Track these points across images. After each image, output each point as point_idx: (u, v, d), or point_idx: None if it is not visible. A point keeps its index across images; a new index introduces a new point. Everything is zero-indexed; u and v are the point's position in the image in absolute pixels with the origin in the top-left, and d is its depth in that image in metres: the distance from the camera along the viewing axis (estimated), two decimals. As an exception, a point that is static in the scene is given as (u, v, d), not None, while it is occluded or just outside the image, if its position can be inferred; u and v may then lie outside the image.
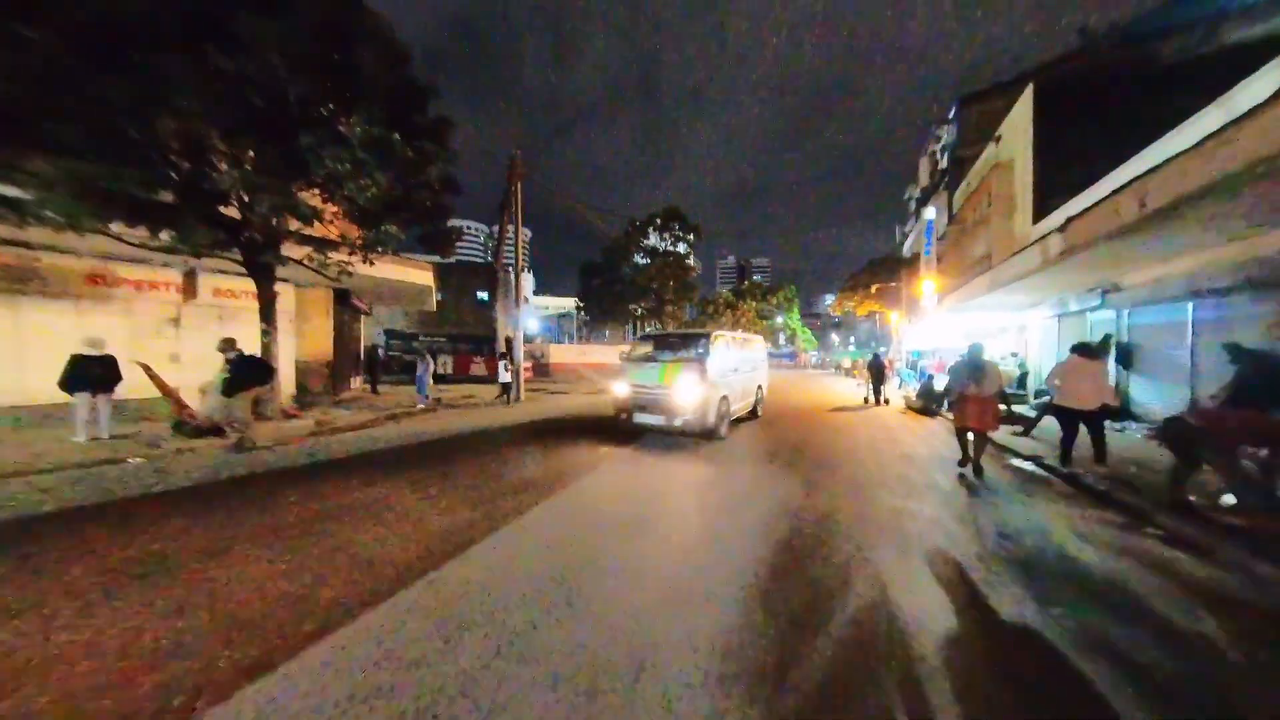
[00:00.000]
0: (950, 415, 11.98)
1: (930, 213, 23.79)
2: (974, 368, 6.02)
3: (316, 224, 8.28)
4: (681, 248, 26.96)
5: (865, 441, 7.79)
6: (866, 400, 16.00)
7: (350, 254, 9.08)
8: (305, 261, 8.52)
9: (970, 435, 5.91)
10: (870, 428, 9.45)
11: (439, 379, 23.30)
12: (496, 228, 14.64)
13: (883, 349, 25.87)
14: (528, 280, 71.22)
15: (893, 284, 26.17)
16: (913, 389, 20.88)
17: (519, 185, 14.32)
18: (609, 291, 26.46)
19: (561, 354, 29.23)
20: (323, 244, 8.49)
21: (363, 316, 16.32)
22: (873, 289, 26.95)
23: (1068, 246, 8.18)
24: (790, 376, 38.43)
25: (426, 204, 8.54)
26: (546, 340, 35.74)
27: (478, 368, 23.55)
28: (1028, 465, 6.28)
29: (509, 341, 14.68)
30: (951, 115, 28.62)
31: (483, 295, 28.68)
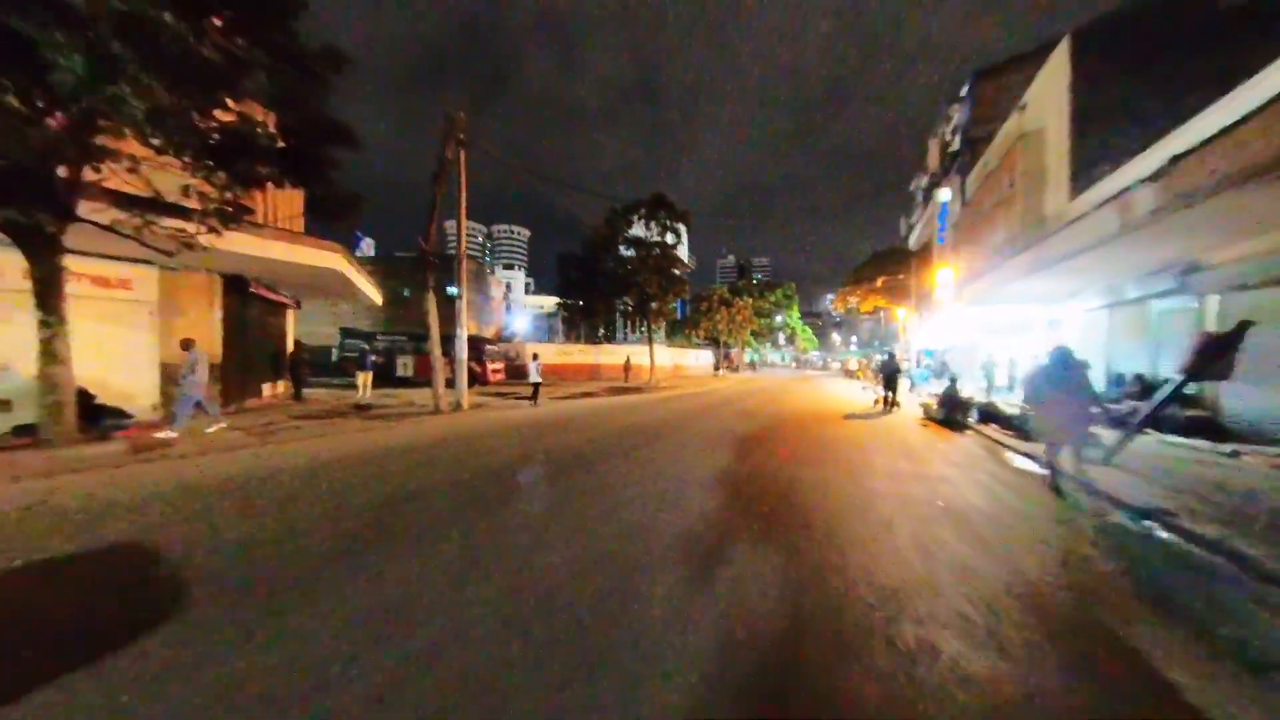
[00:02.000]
0: (978, 427, 9.71)
1: (945, 194, 21.43)
2: (1062, 373, 5.08)
3: (131, 176, 6.08)
4: (670, 239, 24.59)
5: (885, 479, 5.46)
6: (878, 403, 13.83)
7: (200, 221, 6.83)
8: (116, 227, 6.24)
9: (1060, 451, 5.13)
10: (888, 452, 7.13)
11: (399, 381, 21.08)
12: (466, 219, 12.32)
13: (889, 348, 23.54)
14: (519, 280, 69.07)
15: (900, 276, 23.80)
16: (925, 391, 18.46)
17: (462, 154, 12.05)
18: (590, 286, 24.15)
19: (540, 353, 26.91)
20: (138, 204, 6.21)
21: (289, 311, 14.06)
22: (879, 282, 24.58)
23: (1168, 201, 5.86)
24: (782, 380, 36.07)
25: (262, 143, 6.27)
26: (522, 340, 33.46)
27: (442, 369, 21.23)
28: (1156, 529, 3.94)
29: (450, 338, 12.64)
30: (964, 92, 26.22)
31: (453, 290, 26.42)
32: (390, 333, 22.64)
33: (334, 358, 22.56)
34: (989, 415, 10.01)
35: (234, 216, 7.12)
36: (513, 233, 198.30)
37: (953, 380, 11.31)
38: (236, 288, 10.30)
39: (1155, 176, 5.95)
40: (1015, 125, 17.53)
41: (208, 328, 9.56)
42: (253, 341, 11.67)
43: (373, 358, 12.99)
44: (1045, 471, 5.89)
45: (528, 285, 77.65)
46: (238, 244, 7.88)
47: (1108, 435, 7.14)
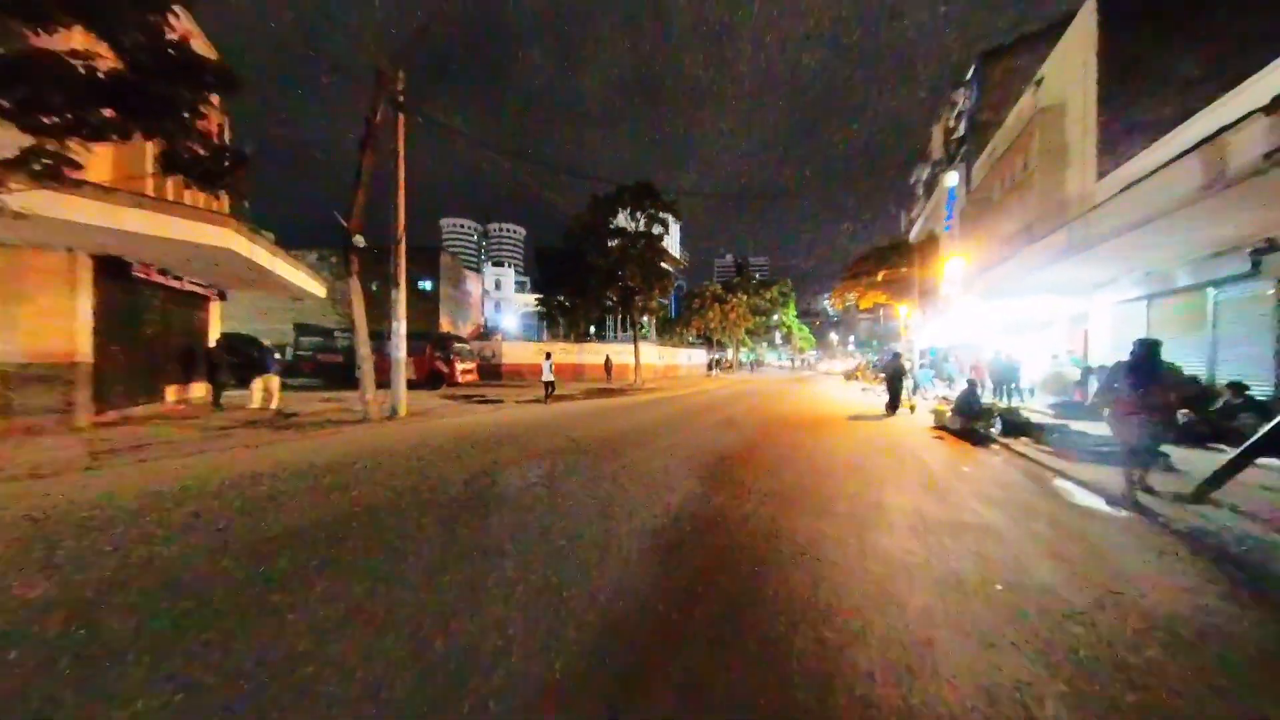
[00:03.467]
0: (1004, 441, 7.96)
1: (952, 178, 19.82)
2: (1145, 369, 4.42)
3: None
4: (656, 230, 22.90)
5: (905, 535, 3.83)
6: (890, 409, 12.49)
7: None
8: None
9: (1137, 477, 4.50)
10: (902, 481, 5.50)
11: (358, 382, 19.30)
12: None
13: (892, 346, 21.92)
14: (509, 277, 67.19)
15: (902, 270, 22.21)
16: (931, 394, 16.73)
17: (400, 118, 10.34)
18: (570, 280, 22.47)
19: (518, 353, 25.24)
20: None
21: (210, 303, 12.33)
22: (879, 276, 22.98)
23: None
24: (777, 381, 34.56)
25: (77, 74, 4.67)
26: (503, 337, 31.70)
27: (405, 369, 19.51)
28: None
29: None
30: (970, 75, 24.65)
31: (425, 285, 24.65)
32: (345, 329, 20.88)
33: (289, 356, 20.76)
34: (1015, 426, 8.39)
35: (50, 172, 5.44)
36: (509, 231, 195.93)
37: (971, 384, 9.67)
38: (113, 271, 8.58)
39: (1272, 107, 4.33)
40: (1030, 102, 15.94)
41: (68, 319, 7.84)
42: (149, 337, 9.96)
43: (275, 357, 11.06)
44: (1122, 513, 4.27)
45: (521, 284, 75.76)
46: (71, 210, 6.20)
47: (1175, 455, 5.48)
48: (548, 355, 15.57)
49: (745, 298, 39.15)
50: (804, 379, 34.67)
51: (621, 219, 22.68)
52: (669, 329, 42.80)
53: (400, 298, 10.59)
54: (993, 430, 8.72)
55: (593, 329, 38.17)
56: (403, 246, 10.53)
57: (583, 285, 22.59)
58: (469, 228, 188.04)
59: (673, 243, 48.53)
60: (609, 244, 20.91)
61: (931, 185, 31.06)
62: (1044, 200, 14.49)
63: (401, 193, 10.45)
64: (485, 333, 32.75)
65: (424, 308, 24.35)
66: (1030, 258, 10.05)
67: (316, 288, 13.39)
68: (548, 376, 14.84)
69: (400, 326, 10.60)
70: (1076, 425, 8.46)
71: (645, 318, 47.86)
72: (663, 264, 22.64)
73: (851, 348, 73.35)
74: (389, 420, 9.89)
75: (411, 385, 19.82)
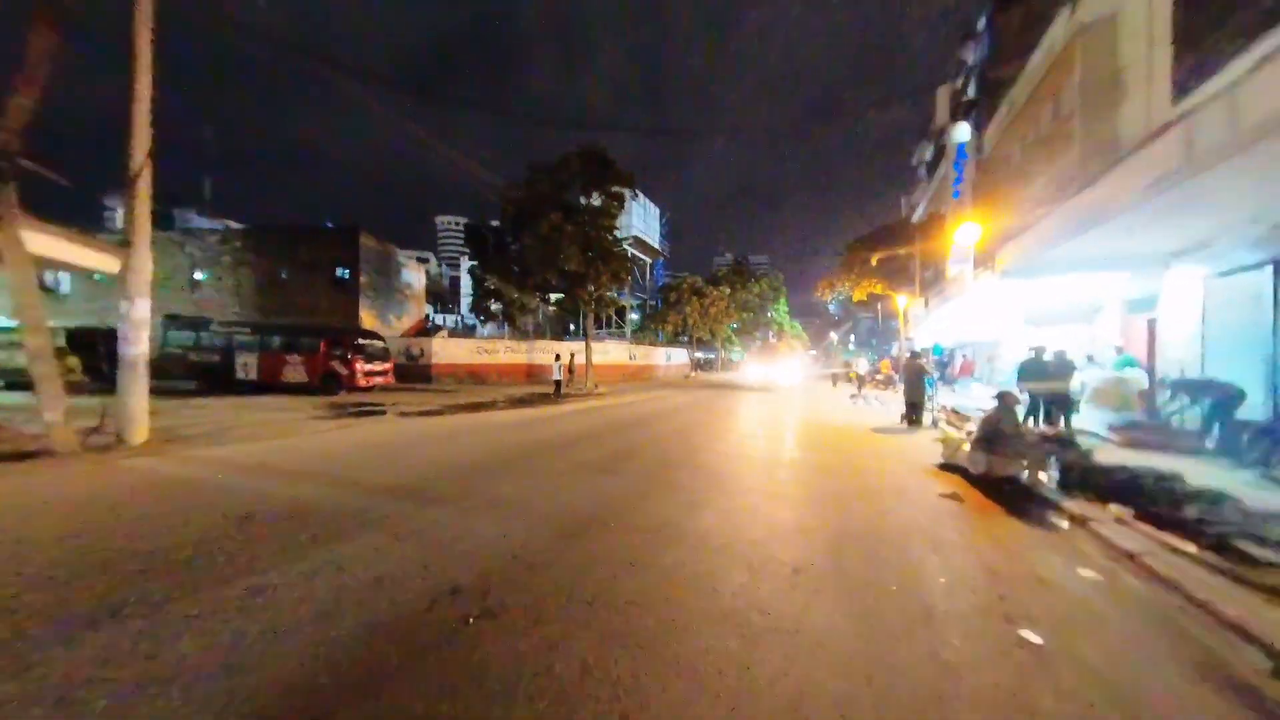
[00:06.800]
0: (1073, 508, 4.06)
1: (963, 132, 16.17)
2: None
3: None
4: (614, 207, 19.28)
5: None
6: (904, 420, 9.93)
7: None
8: None
9: None
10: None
11: (237, 387, 15.79)
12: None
13: (909, 343, 18.33)
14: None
15: (901, 252, 18.64)
16: (937, 405, 12.58)
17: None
18: (501, 264, 18.94)
19: (452, 352, 21.68)
20: None
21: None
22: (874, 260, 19.42)
23: None
24: (752, 384, 30.80)
25: None
26: (448, 333, 28.18)
27: (294, 370, 15.98)
28: None
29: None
30: (981, 26, 21.07)
31: (342, 273, 21.12)
32: (234, 323, 17.41)
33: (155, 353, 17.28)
34: (1088, 477, 4.84)
35: None
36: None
37: (1000, 400, 6.04)
38: None
39: None
40: (1067, 26, 12.36)
41: None
42: None
43: None
44: None
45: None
46: None
47: None
48: (557, 356, 16.83)
49: (729, 291, 35.50)
50: (792, 385, 30.89)
51: (571, 197, 19.08)
52: (647, 325, 39.30)
53: (139, 265, 7.03)
54: (1043, 478, 5.19)
55: (572, 325, 34.63)
56: (144, 186, 6.97)
57: (523, 268, 19.01)
58: (461, 225, 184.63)
59: (652, 232, 44.91)
60: (542, 219, 17.28)
61: (935, 163, 27.46)
62: (1087, 146, 10.95)
63: (142, 104, 6.91)
64: (429, 329, 29.25)
65: (341, 299, 20.82)
66: (1101, 198, 6.46)
67: (99, 260, 9.85)
68: (557, 376, 16.31)
69: (133, 309, 6.99)
70: (1194, 471, 4.92)
71: (632, 315, 44.32)
72: (618, 246, 19.05)
73: (851, 348, 69.23)
74: (103, 453, 6.34)
75: (302, 390, 16.31)
